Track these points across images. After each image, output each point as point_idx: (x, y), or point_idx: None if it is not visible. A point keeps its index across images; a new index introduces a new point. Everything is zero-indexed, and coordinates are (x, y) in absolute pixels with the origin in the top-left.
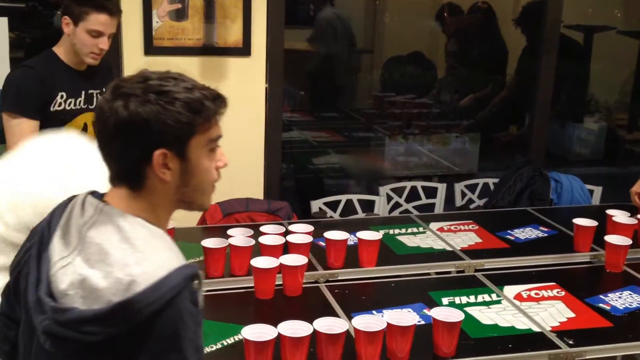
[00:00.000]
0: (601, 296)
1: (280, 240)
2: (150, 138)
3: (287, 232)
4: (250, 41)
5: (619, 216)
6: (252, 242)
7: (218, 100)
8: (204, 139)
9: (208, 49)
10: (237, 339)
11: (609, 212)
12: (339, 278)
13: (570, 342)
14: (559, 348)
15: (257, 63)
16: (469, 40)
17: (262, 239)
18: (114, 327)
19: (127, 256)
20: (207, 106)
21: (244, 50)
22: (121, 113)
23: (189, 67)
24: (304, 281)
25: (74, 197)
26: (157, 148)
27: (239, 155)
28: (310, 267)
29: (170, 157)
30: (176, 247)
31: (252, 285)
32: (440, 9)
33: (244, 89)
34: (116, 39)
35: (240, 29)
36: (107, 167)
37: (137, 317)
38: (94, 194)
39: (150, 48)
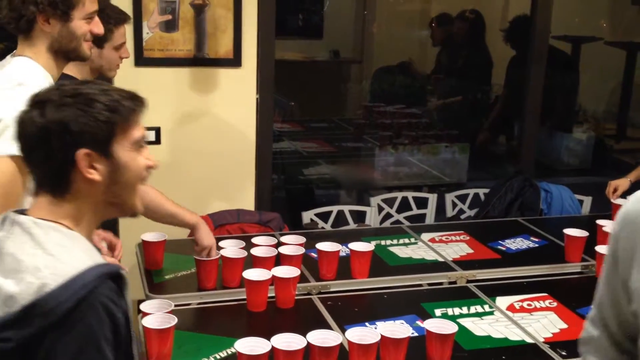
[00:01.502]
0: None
1: (272, 252)
2: (71, 140)
3: (278, 244)
4: (241, 52)
5: (610, 226)
6: (245, 253)
7: (136, 100)
8: (127, 139)
9: (199, 60)
10: (229, 352)
11: (600, 222)
12: (332, 290)
13: (564, 353)
14: (553, 359)
15: (247, 74)
16: (455, 50)
17: (254, 251)
18: (27, 330)
19: (38, 260)
20: (124, 105)
21: (235, 61)
22: (38, 121)
23: (180, 78)
24: (296, 293)
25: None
26: (79, 149)
27: (229, 166)
28: (302, 278)
29: (95, 157)
30: (94, 249)
31: (244, 297)
32: (432, 19)
33: (234, 100)
34: None
35: (231, 40)
36: (32, 177)
37: (50, 317)
38: (17, 211)
39: (141, 59)
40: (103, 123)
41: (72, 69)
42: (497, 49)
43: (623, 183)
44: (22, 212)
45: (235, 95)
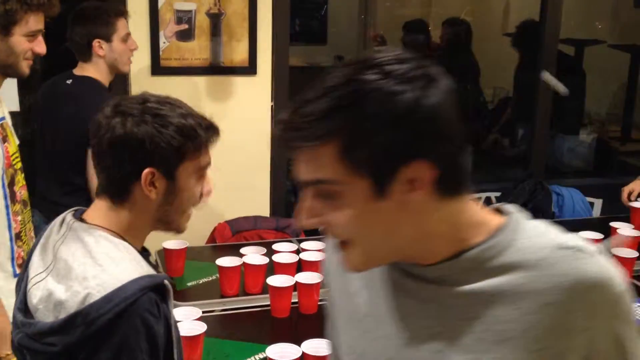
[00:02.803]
0: None
1: (294, 258)
2: (142, 157)
3: (298, 250)
4: (256, 60)
5: (624, 229)
6: (266, 260)
7: (210, 130)
8: (193, 165)
9: (214, 69)
10: (258, 358)
11: (613, 224)
12: None
13: None
14: None
15: (263, 81)
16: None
17: (277, 257)
18: (70, 337)
19: (87, 270)
20: (199, 134)
21: (250, 69)
22: (118, 130)
23: (196, 86)
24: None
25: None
26: (147, 167)
27: (245, 173)
28: (323, 284)
29: (158, 176)
30: (142, 259)
31: (267, 303)
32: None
33: (250, 108)
34: None
35: (246, 48)
36: (98, 178)
37: (91, 327)
38: (76, 211)
39: (158, 69)
40: (175, 148)
41: (90, 70)
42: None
43: (636, 186)
44: (80, 213)
45: (251, 102)
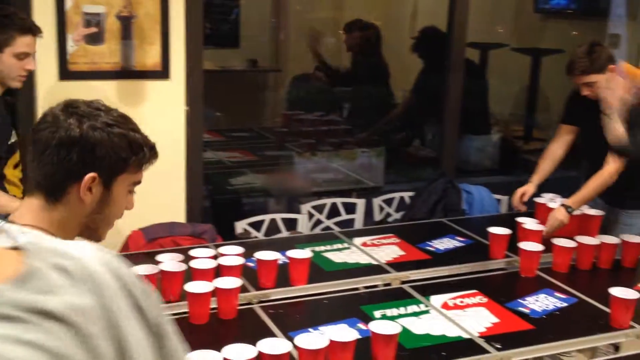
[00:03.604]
0: (520, 300)
1: (211, 264)
2: (90, 160)
3: (216, 255)
4: (169, 64)
5: (529, 223)
6: (184, 266)
7: (153, 150)
8: (129, 179)
9: (126, 73)
10: None
11: (519, 220)
12: (272, 298)
13: (498, 346)
14: (489, 353)
15: (176, 86)
16: (358, 57)
17: (194, 263)
18: None
19: None
20: (144, 150)
21: (163, 73)
22: (73, 130)
23: (107, 91)
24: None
25: None
26: (91, 171)
27: (160, 179)
28: (242, 288)
29: (97, 182)
30: None
31: (186, 310)
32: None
33: (163, 112)
34: None
35: (159, 51)
36: (30, 173)
37: None
38: None
39: (66, 73)
40: (122, 159)
41: None
42: (403, 55)
43: (529, 189)
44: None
45: (164, 107)
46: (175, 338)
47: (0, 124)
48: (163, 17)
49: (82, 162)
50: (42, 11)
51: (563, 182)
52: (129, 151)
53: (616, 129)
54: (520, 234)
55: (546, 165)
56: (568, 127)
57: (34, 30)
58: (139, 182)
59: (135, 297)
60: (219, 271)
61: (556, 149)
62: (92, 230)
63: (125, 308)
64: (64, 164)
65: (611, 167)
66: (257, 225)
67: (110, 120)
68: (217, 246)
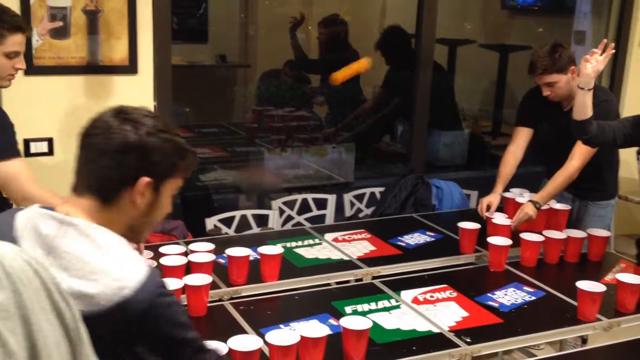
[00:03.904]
0: (489, 294)
1: (182, 261)
2: (145, 165)
3: (186, 252)
4: (137, 59)
5: (498, 218)
6: (154, 263)
7: (195, 156)
8: (176, 183)
9: (93, 68)
10: None
11: (488, 214)
12: (243, 294)
13: (468, 340)
14: (459, 347)
15: (144, 80)
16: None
17: (164, 260)
18: (112, 324)
19: (107, 263)
20: (190, 157)
21: (131, 68)
22: (131, 136)
23: (73, 86)
24: (208, 300)
25: (12, 209)
26: (146, 176)
27: None
28: (212, 285)
29: (150, 187)
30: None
31: None
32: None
33: None
34: None
35: (126, 46)
36: (80, 176)
37: (131, 315)
38: (43, 207)
39: (31, 68)
40: (172, 165)
41: None
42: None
43: (495, 199)
44: (50, 209)
45: (132, 102)
46: (91, 348)
47: None
48: (130, 11)
49: (138, 167)
50: (6, 4)
51: (529, 177)
52: (178, 156)
53: (585, 105)
54: (490, 229)
55: (508, 171)
56: (524, 128)
57: (23, 28)
58: (179, 187)
59: (55, 300)
60: (189, 268)
61: (515, 152)
62: (136, 233)
63: (44, 307)
64: (120, 169)
65: (575, 162)
66: (227, 222)
67: (160, 126)
68: (187, 243)
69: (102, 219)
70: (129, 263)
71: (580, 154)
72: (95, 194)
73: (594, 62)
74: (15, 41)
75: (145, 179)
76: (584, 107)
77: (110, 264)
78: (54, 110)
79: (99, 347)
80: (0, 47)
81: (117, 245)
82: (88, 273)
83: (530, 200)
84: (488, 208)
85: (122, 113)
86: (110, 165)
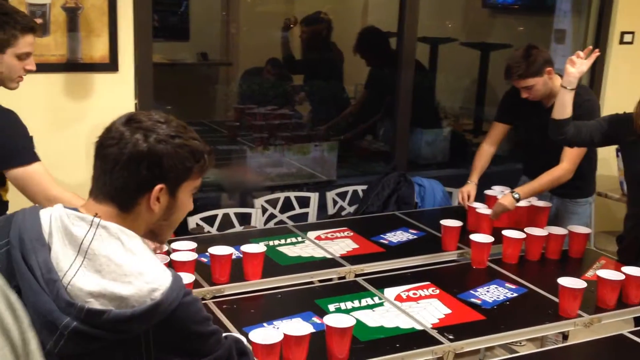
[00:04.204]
0: (471, 291)
1: (164, 259)
2: (158, 173)
3: (168, 251)
4: (117, 56)
5: (480, 208)
6: None
7: (212, 155)
8: (192, 185)
9: (73, 65)
10: None
11: (471, 205)
12: (226, 293)
13: (451, 336)
14: (442, 343)
15: (125, 78)
16: (311, 50)
17: None
18: (143, 326)
19: (139, 265)
20: (205, 158)
21: (111, 65)
22: (141, 145)
23: (53, 84)
24: None
25: (31, 208)
26: (160, 182)
27: None
28: (195, 284)
29: (165, 192)
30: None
31: None
32: (303, 19)
33: (112, 106)
34: None
35: (107, 43)
36: (98, 184)
37: (161, 316)
38: (67, 208)
39: None
40: (186, 168)
41: None
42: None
43: (472, 188)
44: (77, 210)
45: (113, 100)
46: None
47: None
48: (110, 8)
49: (151, 175)
50: None
51: (508, 174)
52: (192, 159)
53: (565, 105)
54: (471, 218)
55: (483, 163)
56: (501, 125)
57: (35, 29)
58: (199, 186)
59: (11, 302)
60: (171, 267)
61: (489, 147)
62: (156, 235)
63: None
64: (134, 178)
65: (565, 165)
66: (210, 220)
67: (172, 131)
68: (169, 242)
69: (128, 226)
70: (157, 266)
71: (570, 157)
72: (113, 202)
73: (579, 64)
74: (27, 42)
75: (160, 186)
76: (563, 107)
77: (141, 267)
78: (33, 108)
79: (128, 348)
80: (13, 48)
81: (143, 249)
82: (121, 275)
83: (511, 191)
84: (468, 198)
85: (133, 121)
86: (124, 176)
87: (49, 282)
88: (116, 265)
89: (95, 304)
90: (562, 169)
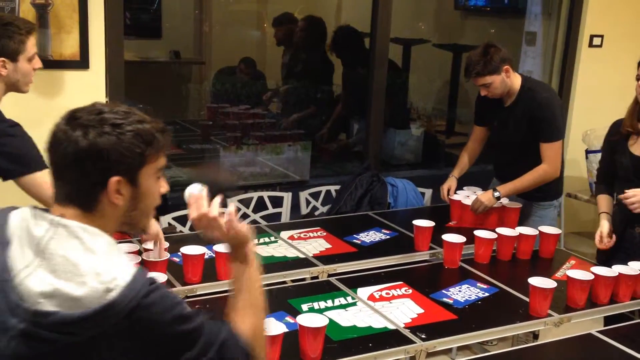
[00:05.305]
0: (443, 291)
1: (135, 259)
2: (107, 167)
3: (139, 251)
4: (88, 53)
5: (461, 197)
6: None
7: (165, 132)
8: (153, 168)
9: (42, 63)
10: None
11: (454, 197)
12: (198, 293)
13: (423, 336)
14: (414, 343)
15: (96, 76)
16: (298, 52)
17: None
18: (96, 328)
19: (96, 265)
20: (157, 138)
21: (82, 63)
22: (81, 143)
23: None
24: None
25: (5, 209)
26: (113, 176)
27: None
28: (167, 284)
29: (123, 183)
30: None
31: None
32: (275, 19)
33: (83, 104)
34: None
35: (77, 40)
36: (56, 189)
37: (116, 317)
38: (36, 208)
39: None
40: (138, 155)
41: None
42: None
43: (452, 182)
44: (47, 211)
45: (83, 98)
46: None
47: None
48: (81, 5)
49: (100, 171)
50: None
51: (481, 175)
52: (142, 144)
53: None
54: (454, 210)
55: (466, 160)
56: (478, 127)
57: (35, 28)
58: (164, 166)
59: None
60: (145, 267)
61: (474, 146)
62: (132, 225)
63: None
64: (84, 177)
65: (544, 166)
66: (182, 220)
67: (116, 119)
68: (140, 241)
69: (95, 224)
70: (118, 265)
71: (549, 158)
72: (74, 204)
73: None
74: (33, 43)
75: (115, 179)
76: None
77: (100, 266)
78: (2, 106)
79: (86, 351)
80: (24, 54)
81: (106, 247)
82: (76, 275)
83: (492, 189)
84: (448, 192)
85: (72, 118)
86: (75, 177)
87: (1, 282)
88: (72, 265)
89: (47, 305)
90: (542, 170)
